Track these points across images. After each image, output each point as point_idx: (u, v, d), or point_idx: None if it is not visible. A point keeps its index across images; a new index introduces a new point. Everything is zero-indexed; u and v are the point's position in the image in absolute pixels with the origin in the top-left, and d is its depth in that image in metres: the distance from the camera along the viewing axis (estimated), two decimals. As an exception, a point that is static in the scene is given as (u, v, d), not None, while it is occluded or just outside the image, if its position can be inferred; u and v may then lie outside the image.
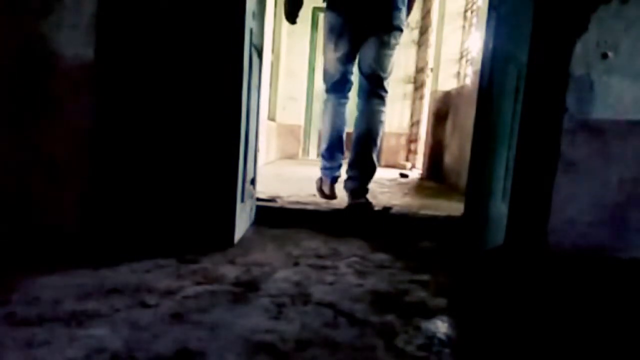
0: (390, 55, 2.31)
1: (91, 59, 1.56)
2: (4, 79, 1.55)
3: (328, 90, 2.51)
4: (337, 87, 2.46)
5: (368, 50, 2.30)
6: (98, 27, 1.55)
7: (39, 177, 1.58)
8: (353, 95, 2.54)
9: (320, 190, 2.70)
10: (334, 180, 2.63)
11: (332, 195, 2.60)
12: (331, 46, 2.35)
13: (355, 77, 2.50)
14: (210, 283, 1.30)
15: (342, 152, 2.59)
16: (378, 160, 2.54)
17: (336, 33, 2.31)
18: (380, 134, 2.38)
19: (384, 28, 2.26)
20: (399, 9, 2.26)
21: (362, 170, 2.36)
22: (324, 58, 2.50)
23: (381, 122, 2.37)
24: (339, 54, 2.34)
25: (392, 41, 2.29)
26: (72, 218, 1.60)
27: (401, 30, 2.31)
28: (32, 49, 1.54)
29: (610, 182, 1.44)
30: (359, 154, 2.36)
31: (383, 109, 2.36)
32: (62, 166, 1.59)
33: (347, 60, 2.37)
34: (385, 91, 2.36)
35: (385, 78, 2.34)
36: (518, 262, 1.53)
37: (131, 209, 1.64)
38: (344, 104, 2.49)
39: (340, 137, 2.54)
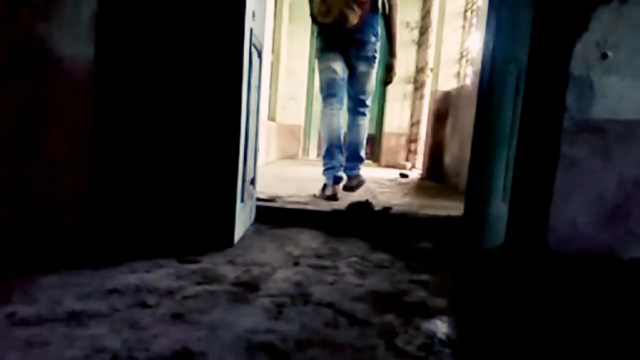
0: (368, 79, 2.89)
1: (91, 59, 1.56)
2: (4, 79, 1.55)
3: (324, 99, 2.91)
4: (331, 92, 2.86)
5: (352, 81, 2.90)
6: (98, 27, 1.55)
7: (39, 177, 1.58)
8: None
9: (325, 194, 2.83)
10: (337, 180, 2.84)
11: (334, 196, 2.74)
12: (323, 59, 2.85)
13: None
14: (210, 283, 1.30)
15: (342, 152, 2.91)
16: (364, 155, 3.18)
17: (325, 50, 2.83)
18: (365, 137, 3.05)
19: (359, 59, 2.82)
20: (371, 43, 2.78)
21: (354, 164, 3.00)
22: (318, 72, 2.93)
23: (364, 131, 3.01)
24: (328, 63, 2.82)
25: (369, 69, 2.86)
26: (72, 218, 1.60)
27: (375, 58, 2.85)
28: (32, 48, 1.54)
29: (611, 182, 1.44)
30: (352, 155, 3.00)
31: (365, 121, 3.00)
32: (62, 166, 1.59)
33: (335, 70, 2.82)
34: (367, 106, 2.99)
35: (367, 98, 2.95)
36: (518, 262, 1.53)
37: (131, 209, 1.64)
38: (338, 109, 2.89)
39: (339, 137, 2.88)
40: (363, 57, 2.79)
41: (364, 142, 3.07)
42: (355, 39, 2.73)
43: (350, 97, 2.97)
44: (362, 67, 2.82)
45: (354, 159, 3.01)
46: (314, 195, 2.84)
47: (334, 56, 2.80)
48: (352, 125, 2.99)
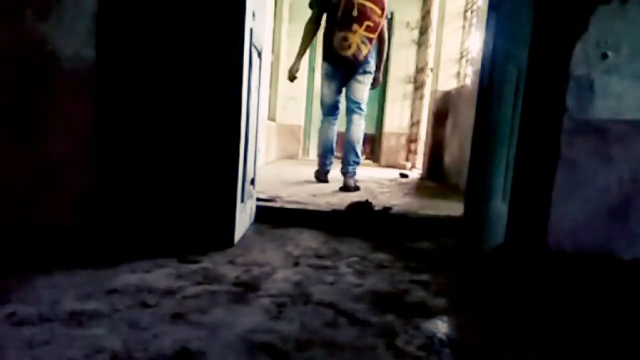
0: (365, 88, 3.50)
1: (92, 59, 1.56)
2: (4, 78, 1.55)
3: (324, 115, 3.62)
4: (330, 111, 3.59)
5: (351, 88, 3.50)
6: (98, 27, 1.55)
7: (39, 177, 1.58)
8: (341, 115, 3.67)
9: (317, 177, 3.72)
10: (327, 171, 3.73)
11: (325, 179, 3.67)
12: (327, 84, 3.53)
13: (342, 104, 3.68)
14: (210, 283, 1.30)
15: (333, 154, 3.73)
16: (362, 154, 3.74)
17: (330, 76, 3.49)
18: (362, 137, 3.56)
19: (359, 73, 3.44)
20: (368, 62, 3.42)
21: (351, 159, 3.50)
22: (321, 93, 3.60)
23: (361, 130, 3.53)
24: (331, 89, 3.52)
25: (365, 80, 3.49)
26: (72, 218, 1.60)
27: (371, 73, 3.48)
28: (32, 49, 1.54)
29: (610, 182, 1.44)
30: (348, 151, 3.52)
31: (362, 121, 3.53)
32: (62, 166, 1.59)
33: (337, 93, 3.54)
34: (362, 109, 3.52)
35: (362, 103, 3.51)
36: (518, 262, 1.53)
37: (131, 209, 1.64)
38: (334, 123, 3.64)
39: (332, 145, 3.67)
40: (361, 72, 3.42)
41: (361, 141, 3.54)
42: (358, 65, 3.38)
43: (348, 100, 3.52)
44: (360, 78, 3.44)
45: (351, 157, 3.47)
46: (314, 195, 2.84)
47: (336, 81, 3.46)
48: (349, 123, 3.49)
